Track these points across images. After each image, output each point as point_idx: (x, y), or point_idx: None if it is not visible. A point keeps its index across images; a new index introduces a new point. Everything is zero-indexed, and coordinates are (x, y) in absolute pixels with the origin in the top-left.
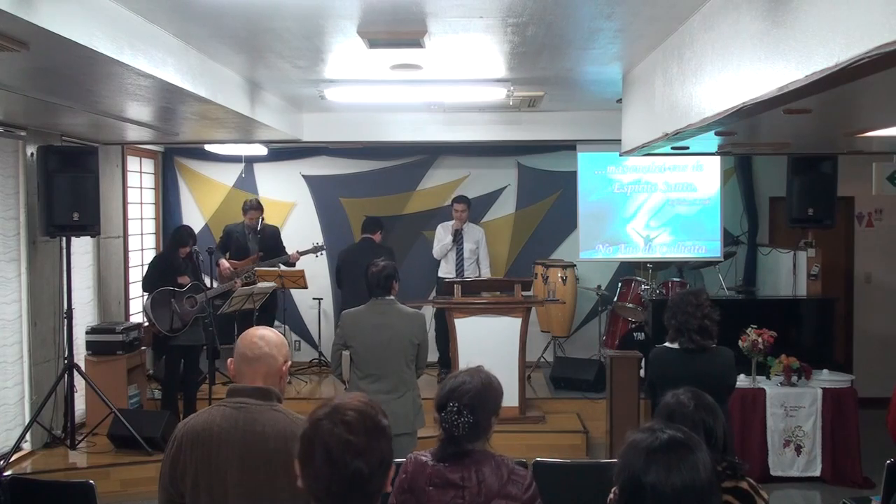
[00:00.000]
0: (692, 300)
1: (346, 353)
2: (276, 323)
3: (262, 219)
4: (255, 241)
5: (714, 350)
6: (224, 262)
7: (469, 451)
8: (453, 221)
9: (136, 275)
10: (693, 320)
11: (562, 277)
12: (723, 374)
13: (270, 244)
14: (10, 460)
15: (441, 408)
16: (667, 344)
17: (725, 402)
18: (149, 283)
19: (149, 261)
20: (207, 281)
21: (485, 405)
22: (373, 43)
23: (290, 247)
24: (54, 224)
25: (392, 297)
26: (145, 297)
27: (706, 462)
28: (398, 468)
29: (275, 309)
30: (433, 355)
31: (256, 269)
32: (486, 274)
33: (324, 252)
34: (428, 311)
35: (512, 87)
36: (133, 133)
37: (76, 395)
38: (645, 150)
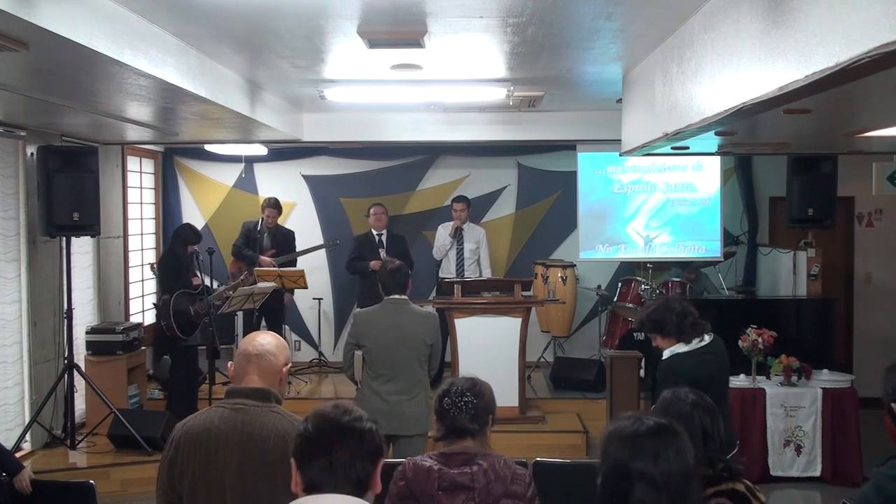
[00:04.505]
0: (678, 298)
1: (358, 352)
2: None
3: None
4: (269, 238)
5: (715, 340)
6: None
7: (474, 453)
8: (453, 222)
9: (136, 275)
10: (696, 311)
11: (562, 277)
12: (727, 365)
13: (282, 243)
14: None
15: (443, 395)
16: (678, 350)
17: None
18: (166, 286)
19: (148, 261)
20: (207, 281)
21: (482, 396)
22: (373, 43)
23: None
24: (54, 224)
25: (406, 297)
26: (162, 298)
27: (690, 446)
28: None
29: (281, 317)
30: None
31: (255, 269)
32: (486, 275)
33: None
34: None
35: (512, 87)
36: (133, 133)
37: (76, 395)
38: (645, 150)
